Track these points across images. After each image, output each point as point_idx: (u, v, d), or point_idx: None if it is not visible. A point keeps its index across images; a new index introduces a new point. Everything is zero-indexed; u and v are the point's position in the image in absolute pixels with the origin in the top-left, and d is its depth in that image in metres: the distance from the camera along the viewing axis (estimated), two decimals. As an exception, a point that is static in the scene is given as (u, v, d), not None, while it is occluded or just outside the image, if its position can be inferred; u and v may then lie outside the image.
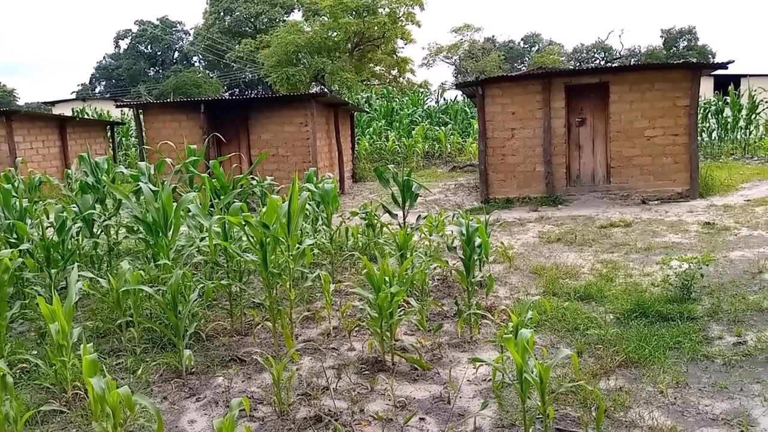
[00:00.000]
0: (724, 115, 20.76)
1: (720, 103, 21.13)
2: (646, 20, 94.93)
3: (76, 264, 4.92)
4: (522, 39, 73.40)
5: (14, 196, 6.21)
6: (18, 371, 4.32)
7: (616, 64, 21.73)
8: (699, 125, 15.84)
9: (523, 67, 58.69)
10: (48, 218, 6.87)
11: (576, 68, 22.65)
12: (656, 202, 11.20)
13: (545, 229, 9.30)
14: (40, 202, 7.59)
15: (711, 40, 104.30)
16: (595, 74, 12.05)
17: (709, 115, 21.18)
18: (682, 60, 16.81)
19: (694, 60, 13.99)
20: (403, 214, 7.33)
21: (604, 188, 11.79)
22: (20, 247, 5.40)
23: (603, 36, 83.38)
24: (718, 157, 17.71)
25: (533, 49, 70.92)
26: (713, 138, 20.63)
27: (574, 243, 8.16)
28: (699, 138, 14.95)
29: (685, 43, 63.99)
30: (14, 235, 5.83)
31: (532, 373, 3.08)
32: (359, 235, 7.62)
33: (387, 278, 4.42)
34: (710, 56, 57.48)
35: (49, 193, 11.21)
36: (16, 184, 7.31)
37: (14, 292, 5.54)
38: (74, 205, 6.44)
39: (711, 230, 8.50)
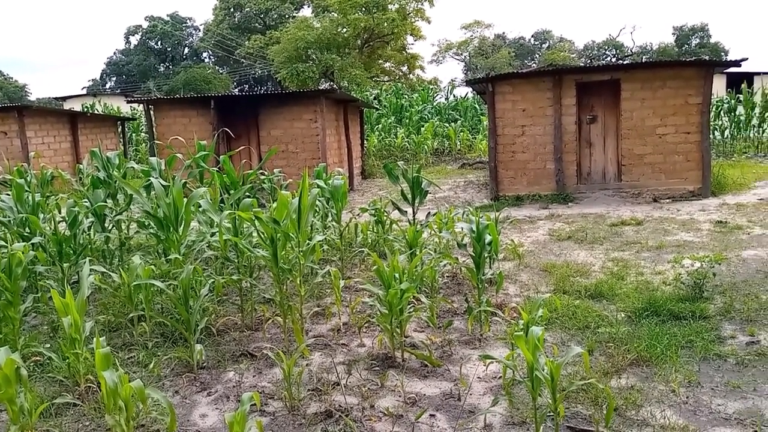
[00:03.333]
0: (737, 113, 20.57)
1: (733, 100, 20.93)
2: (657, 17, 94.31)
3: (87, 258, 4.97)
4: (532, 36, 73.13)
5: (27, 191, 6.26)
6: (32, 364, 4.36)
7: (627, 62, 21.57)
8: (711, 123, 15.70)
9: (534, 64, 58.44)
10: (60, 213, 6.91)
11: (587, 65, 22.53)
12: (668, 200, 11.12)
13: (556, 226, 9.27)
14: (53, 196, 7.64)
15: (724, 38, 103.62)
16: (607, 71, 11.97)
17: (722, 113, 20.99)
18: (694, 57, 16.67)
19: (707, 57, 13.86)
20: (413, 211, 7.33)
21: (615, 186, 11.72)
22: (33, 241, 5.44)
23: (614, 33, 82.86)
24: (730, 156, 17.56)
25: (544, 45, 70.62)
26: (726, 136, 20.46)
27: (585, 241, 8.13)
28: (711, 136, 14.84)
29: (698, 40, 63.48)
30: (27, 229, 5.88)
31: (543, 370, 3.07)
32: (369, 232, 7.62)
33: (397, 275, 4.42)
34: (723, 54, 56.99)
35: (61, 188, 11.29)
36: (28, 179, 7.37)
37: (27, 286, 5.59)
38: (86, 200, 6.48)
39: (723, 229, 8.43)
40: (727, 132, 20.60)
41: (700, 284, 5.45)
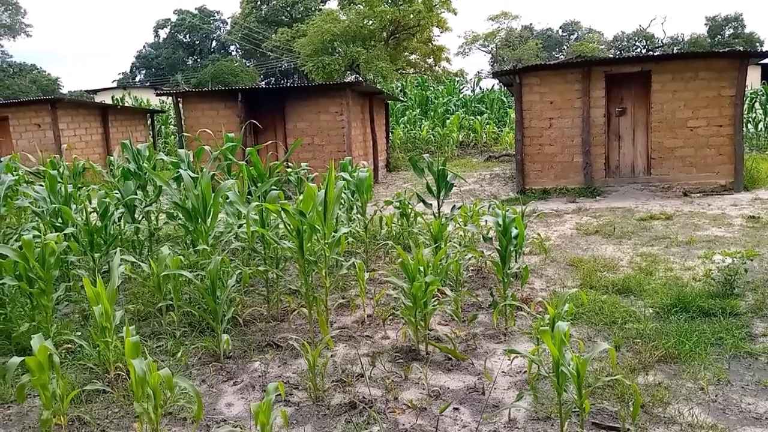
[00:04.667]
0: (772, 105, 20.04)
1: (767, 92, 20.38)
2: (689, 7, 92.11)
3: (118, 248, 5.06)
4: (560, 27, 72.07)
5: (60, 182, 6.40)
6: (63, 351, 4.46)
7: (658, 53, 21.12)
8: (745, 116, 15.33)
9: (562, 56, 57.64)
10: (91, 204, 7.06)
11: (616, 56, 22.11)
12: (698, 194, 10.90)
13: (583, 220, 9.16)
14: (84, 188, 7.80)
15: (758, 28, 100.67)
16: (637, 63, 11.75)
17: (756, 105, 20.47)
18: (727, 48, 16.23)
19: (741, 48, 13.49)
20: (438, 204, 7.31)
21: (644, 180, 11.53)
22: (65, 232, 5.56)
23: (644, 24, 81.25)
24: (764, 149, 17.12)
25: (572, 37, 69.57)
26: (759, 129, 19.94)
27: (613, 235, 8.02)
28: (744, 129, 14.46)
29: (731, 30, 61.83)
30: (60, 220, 6.01)
31: (569, 366, 3.05)
32: (393, 225, 7.62)
33: (421, 268, 4.41)
34: (758, 44, 55.44)
35: (92, 180, 11.51)
36: (61, 171, 7.54)
37: (60, 275, 5.73)
38: (116, 191, 6.61)
39: (756, 224, 8.24)
40: (761, 125, 20.06)
41: (731, 280, 5.34)
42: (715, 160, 11.11)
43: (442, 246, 5.57)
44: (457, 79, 33.58)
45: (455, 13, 44.20)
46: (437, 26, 44.27)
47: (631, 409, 3.36)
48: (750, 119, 19.77)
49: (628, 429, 3.32)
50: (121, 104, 24.94)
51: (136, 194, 6.69)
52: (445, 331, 4.86)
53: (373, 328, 5.03)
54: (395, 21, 41.65)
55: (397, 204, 7.48)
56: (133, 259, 5.41)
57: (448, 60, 49.04)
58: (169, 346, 4.68)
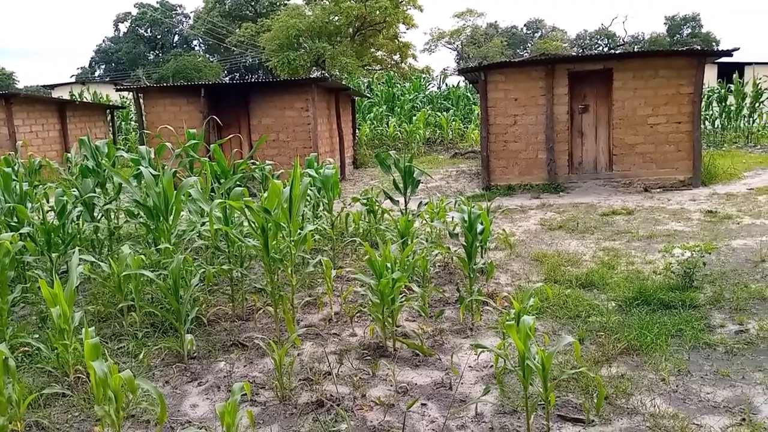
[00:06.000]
0: (728, 103, 20.64)
1: (723, 90, 20.99)
2: (649, 7, 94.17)
3: (77, 248, 4.91)
4: (525, 25, 72.99)
5: (14, 180, 6.19)
6: (20, 355, 4.32)
7: (619, 51, 21.57)
8: (702, 113, 15.74)
9: (526, 54, 58.37)
10: (48, 202, 6.85)
11: (579, 54, 22.46)
12: (658, 190, 11.17)
13: (547, 216, 9.28)
14: (41, 186, 7.56)
15: (715, 28, 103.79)
16: (599, 61, 11.96)
17: (713, 102, 21.06)
18: (686, 47, 16.64)
19: (699, 47, 13.89)
20: (405, 201, 7.32)
21: (606, 176, 11.75)
22: (21, 231, 5.38)
23: (606, 22, 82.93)
24: (721, 146, 17.64)
25: (536, 35, 70.52)
26: (716, 126, 20.54)
27: (576, 230, 8.15)
28: (702, 126, 14.87)
29: (689, 30, 63.58)
30: (15, 219, 5.82)
31: (535, 359, 3.08)
32: (360, 222, 7.60)
33: (389, 264, 4.41)
34: (714, 44, 57.12)
35: (49, 177, 11.19)
36: (16, 168, 7.29)
37: (15, 276, 5.54)
38: (74, 189, 6.42)
39: (713, 218, 8.47)
40: (717, 122, 20.68)
41: (690, 273, 5.48)
42: (675, 156, 11.39)
43: (409, 242, 5.57)
44: (423, 75, 33.69)
45: (421, 10, 44.38)
46: (403, 23, 44.36)
47: (596, 400, 3.42)
48: (707, 116, 20.34)
49: (593, 420, 3.38)
50: (79, 100, 24.28)
51: (95, 192, 6.51)
52: (412, 327, 4.86)
53: (340, 326, 5.00)
54: (361, 17, 41.56)
55: (365, 201, 7.46)
56: (93, 259, 5.26)
57: (414, 57, 49.20)
58: (130, 347, 4.57)
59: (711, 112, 20.86)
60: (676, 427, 3.29)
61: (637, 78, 11.36)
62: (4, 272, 4.32)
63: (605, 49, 60.24)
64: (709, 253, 5.72)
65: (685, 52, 11.63)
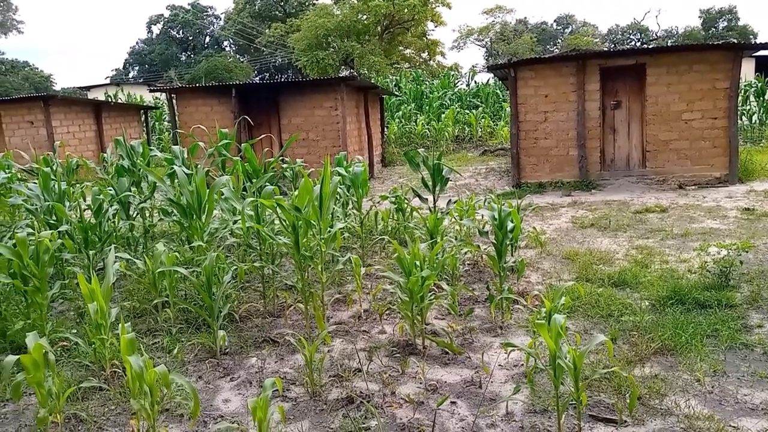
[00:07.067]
0: (766, 97, 20.06)
1: (762, 85, 20.40)
2: (683, 0, 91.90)
3: (113, 245, 5.03)
4: (555, 20, 71.99)
5: (53, 179, 6.36)
6: (59, 349, 4.45)
7: (652, 46, 21.15)
8: (739, 108, 15.36)
9: (556, 50, 57.63)
10: (85, 201, 7.02)
11: (611, 50, 22.07)
12: (693, 187, 10.93)
13: (578, 214, 9.17)
14: (78, 185, 7.76)
15: (752, 20, 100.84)
16: (631, 56, 11.75)
17: (750, 97, 20.49)
18: (721, 41, 16.19)
19: (735, 40, 13.43)
20: (434, 199, 7.30)
21: (639, 173, 11.55)
22: (60, 229, 5.53)
23: (639, 17, 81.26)
24: (758, 141, 17.16)
25: (566, 30, 69.52)
26: (753, 121, 19.96)
27: (608, 228, 8.03)
28: (739, 121, 14.50)
29: (725, 23, 61.90)
30: (54, 217, 5.98)
31: (566, 359, 3.05)
32: (389, 220, 7.61)
33: (417, 262, 4.41)
34: (751, 36, 55.54)
35: (86, 177, 11.46)
36: (54, 168, 7.49)
37: (54, 273, 5.70)
38: (110, 188, 6.57)
39: (750, 216, 8.26)
40: (755, 117, 20.10)
41: (727, 272, 5.36)
42: (710, 152, 11.13)
43: (438, 240, 5.56)
44: (452, 73, 33.49)
45: (449, 7, 44.07)
46: (432, 20, 44.17)
47: (628, 401, 3.37)
48: (744, 111, 19.80)
49: (625, 421, 3.33)
50: (114, 101, 24.81)
51: (131, 191, 6.65)
52: (441, 325, 4.85)
53: (369, 323, 5.03)
54: (389, 15, 41.52)
55: (393, 199, 7.47)
56: (128, 256, 5.38)
57: (442, 54, 48.96)
58: (165, 342, 4.66)
59: (748, 107, 20.28)
60: (712, 428, 3.23)
61: (670, 73, 11.13)
62: (43, 269, 4.45)
63: (638, 44, 59.17)
64: (747, 252, 5.58)
65: (721, 45, 11.35)
